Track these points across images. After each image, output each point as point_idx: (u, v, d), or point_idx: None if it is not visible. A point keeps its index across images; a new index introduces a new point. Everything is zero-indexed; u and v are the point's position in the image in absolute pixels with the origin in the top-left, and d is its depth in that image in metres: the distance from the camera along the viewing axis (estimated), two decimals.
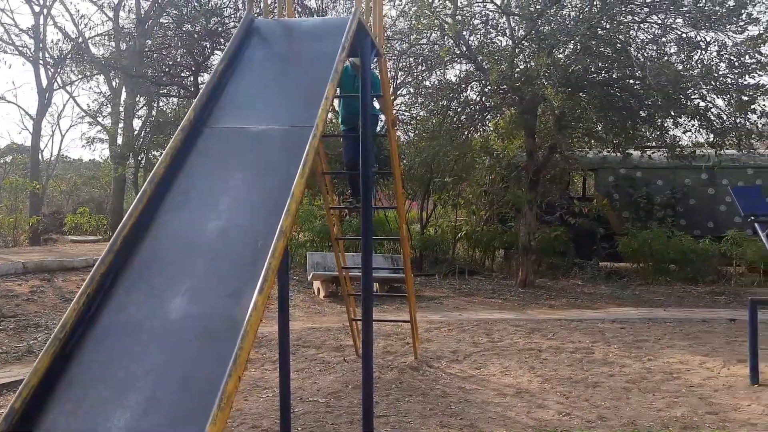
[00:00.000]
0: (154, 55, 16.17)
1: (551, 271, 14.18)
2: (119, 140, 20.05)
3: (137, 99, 19.37)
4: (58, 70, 19.17)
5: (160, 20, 16.88)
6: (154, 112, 19.99)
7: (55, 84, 19.90)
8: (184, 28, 15.05)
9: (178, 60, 16.00)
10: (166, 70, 15.79)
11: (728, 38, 9.59)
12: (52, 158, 25.69)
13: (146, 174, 22.32)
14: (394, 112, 8.66)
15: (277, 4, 4.80)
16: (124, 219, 2.95)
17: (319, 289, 11.64)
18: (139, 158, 20.65)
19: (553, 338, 8.20)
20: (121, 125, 20.05)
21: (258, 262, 2.60)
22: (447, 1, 11.76)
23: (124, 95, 19.85)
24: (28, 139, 21.93)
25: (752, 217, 6.51)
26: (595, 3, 10.81)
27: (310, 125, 3.29)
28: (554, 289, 12.56)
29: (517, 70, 10.69)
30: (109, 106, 20.05)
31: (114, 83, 19.89)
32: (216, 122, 3.50)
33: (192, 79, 15.75)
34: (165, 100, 19.85)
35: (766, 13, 9.66)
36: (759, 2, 9.46)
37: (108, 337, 2.51)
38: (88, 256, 12.65)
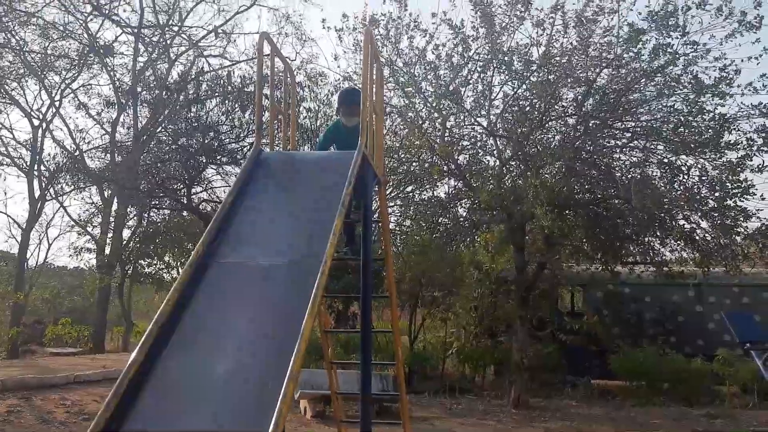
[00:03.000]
0: (149, 168, 16.49)
1: (544, 389, 13.89)
2: (107, 250, 20.00)
3: (128, 210, 19.54)
4: (52, 182, 19.42)
5: (156, 135, 17.35)
6: (144, 223, 20.10)
7: (48, 195, 20.09)
8: (179, 143, 15.45)
9: (172, 173, 16.31)
10: (160, 182, 16.04)
11: (708, 163, 10.00)
12: (36, 267, 25.44)
13: (132, 284, 22.14)
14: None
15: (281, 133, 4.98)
16: (130, 361, 2.89)
17: (306, 408, 11.25)
18: (126, 268, 20.52)
19: None
20: (110, 235, 20.08)
21: (268, 409, 2.54)
22: (436, 123, 12.23)
23: (115, 206, 20.03)
24: (14, 247, 21.84)
25: (748, 344, 6.53)
26: (578, 128, 11.31)
27: (318, 261, 3.32)
28: (548, 409, 12.24)
29: (505, 188, 10.98)
30: (99, 216, 20.16)
31: (106, 194, 20.11)
32: (224, 257, 3.53)
33: (185, 191, 15.99)
34: (156, 211, 20.04)
35: (743, 141, 9.99)
36: (735, 129, 9.95)
37: None
38: (68, 371, 12.27)
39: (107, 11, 17.47)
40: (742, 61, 10.43)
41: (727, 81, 10.15)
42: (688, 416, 11.78)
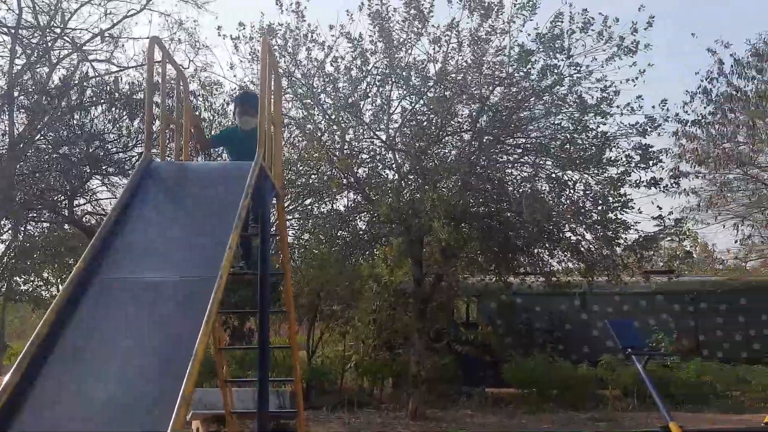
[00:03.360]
0: (26, 178, 15.33)
1: (441, 400, 14.09)
2: None
3: (2, 223, 18.05)
4: None
5: (35, 142, 16.18)
6: (20, 236, 18.64)
7: None
8: (61, 151, 14.49)
9: (52, 183, 15.25)
10: (39, 193, 14.96)
11: (591, 178, 10.57)
12: None
13: (6, 303, 20.45)
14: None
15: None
16: (4, 383, 2.60)
17: (198, 429, 10.77)
18: (0, 285, 18.92)
19: None
20: None
21: None
22: (335, 136, 12.18)
23: None
24: None
25: (629, 350, 6.88)
26: (473, 143, 11.64)
27: (213, 276, 3.16)
28: (445, 420, 12.42)
29: (404, 202, 11.09)
30: None
31: None
32: (109, 272, 3.29)
33: (66, 203, 14.98)
34: (33, 224, 18.64)
35: (623, 158, 10.67)
36: (615, 147, 10.60)
37: None
38: None
39: None
40: (621, 82, 11.17)
41: (608, 101, 10.80)
42: (575, 420, 12.34)
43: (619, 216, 10.33)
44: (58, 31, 18.42)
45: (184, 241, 3.60)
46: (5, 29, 17.95)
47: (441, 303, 14.17)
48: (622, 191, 10.25)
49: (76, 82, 15.12)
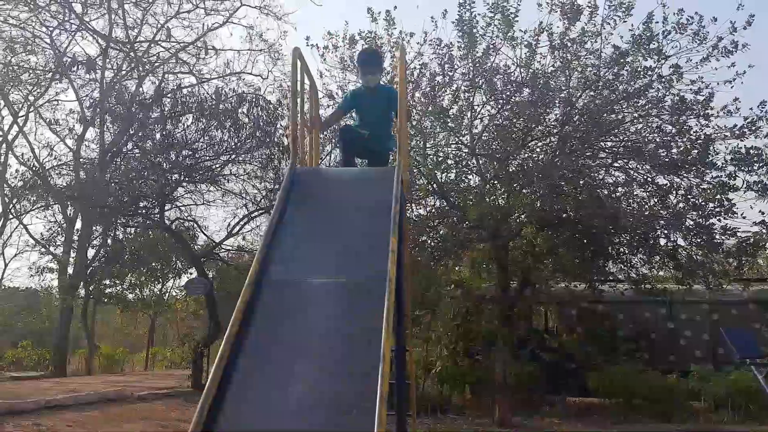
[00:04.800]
0: (117, 185, 15.99)
1: (524, 408, 13.91)
2: (70, 270, 19.30)
3: (93, 228, 18.92)
4: (15, 199, 18.68)
5: (129, 151, 16.90)
6: (109, 242, 19.49)
7: (11, 213, 19.32)
8: (154, 159, 15.07)
9: (144, 191, 15.87)
10: (133, 200, 15.60)
11: (693, 182, 10.24)
12: None
13: (96, 305, 21.37)
14: None
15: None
16: (211, 377, 2.73)
17: None
18: (90, 288, 19.81)
19: None
20: (73, 255, 19.39)
21: None
22: (421, 142, 12.24)
23: (79, 224, 19.37)
24: None
25: (748, 360, 6.67)
26: (564, 147, 11.44)
27: (381, 278, 3.24)
28: (531, 427, 12.25)
29: (493, 206, 11.04)
30: (62, 234, 19.47)
31: (69, 212, 19.45)
32: (278, 274, 3.41)
33: (158, 209, 15.57)
34: (122, 229, 19.46)
35: (726, 161, 10.30)
36: (719, 152, 10.24)
37: None
38: (37, 396, 11.69)
39: (79, 25, 17.01)
40: (718, 84, 10.83)
41: (707, 103, 10.49)
42: None
43: (723, 221, 9.99)
44: (146, 45, 19.24)
45: (342, 245, 3.71)
46: (99, 44, 18.83)
47: (523, 310, 14.03)
48: (728, 195, 9.89)
49: (169, 92, 15.68)
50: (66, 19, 13.10)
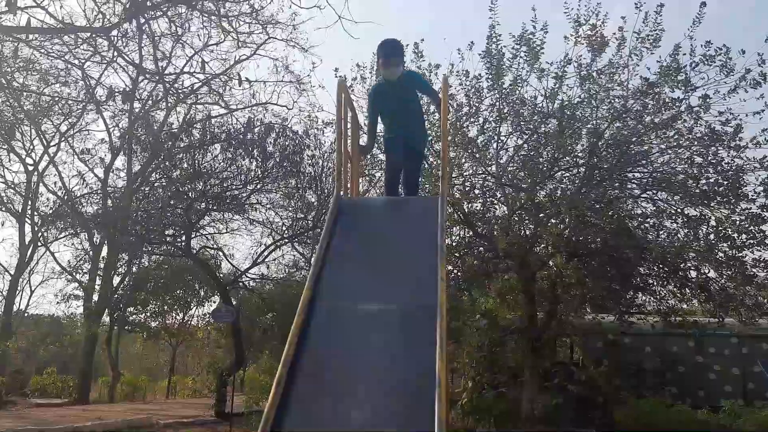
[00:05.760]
0: (143, 214, 16.17)
1: None
2: (95, 297, 19.48)
3: (120, 256, 19.13)
4: (44, 227, 19.00)
5: (157, 180, 17.15)
6: (134, 269, 19.69)
7: (39, 241, 19.63)
8: (181, 189, 15.26)
9: (169, 219, 16.04)
10: (161, 229, 15.78)
11: (723, 214, 10.14)
12: (15, 314, 24.63)
13: (121, 332, 21.49)
14: None
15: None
16: (270, 401, 2.76)
17: None
18: (115, 315, 19.96)
19: None
20: (98, 282, 19.58)
21: None
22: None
23: (105, 251, 19.60)
24: None
25: None
26: (591, 178, 11.42)
27: (432, 305, 3.28)
28: None
29: (521, 237, 11.02)
30: (88, 262, 19.70)
31: (95, 240, 19.70)
32: (330, 300, 3.46)
33: (184, 238, 15.71)
34: (147, 257, 19.67)
35: (760, 194, 10.19)
36: (749, 183, 10.16)
37: None
38: (64, 424, 11.75)
39: (114, 56, 17.40)
40: (747, 116, 10.79)
41: (736, 134, 10.44)
42: None
43: (755, 253, 9.89)
44: (173, 77, 19.62)
45: (389, 273, 3.75)
46: (128, 74, 19.26)
47: (549, 341, 13.87)
48: (760, 227, 9.79)
49: (196, 122, 15.97)
50: (102, 50, 13.44)
